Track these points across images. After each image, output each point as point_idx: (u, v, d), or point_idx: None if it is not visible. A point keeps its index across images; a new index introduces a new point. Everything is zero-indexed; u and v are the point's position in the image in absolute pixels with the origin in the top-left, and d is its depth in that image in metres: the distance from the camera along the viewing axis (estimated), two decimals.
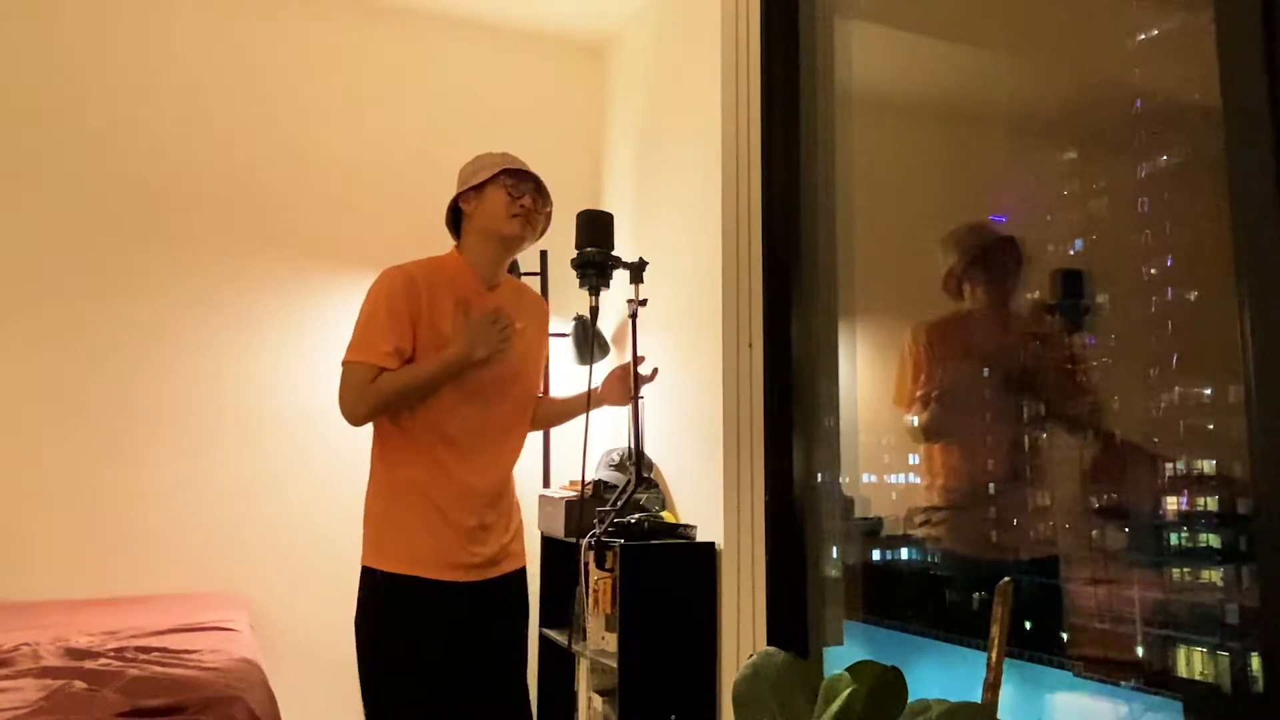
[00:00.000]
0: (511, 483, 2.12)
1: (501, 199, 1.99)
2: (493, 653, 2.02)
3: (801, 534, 2.35)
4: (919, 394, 2.10)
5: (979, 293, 1.99)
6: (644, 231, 3.18)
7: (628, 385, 2.18)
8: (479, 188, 2.01)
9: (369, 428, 2.01)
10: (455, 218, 2.09)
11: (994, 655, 1.01)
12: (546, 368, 2.26)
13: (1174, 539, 1.47)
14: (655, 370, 2.25)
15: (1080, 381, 1.71)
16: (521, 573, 2.12)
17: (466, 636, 1.98)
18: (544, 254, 3.33)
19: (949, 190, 2.10)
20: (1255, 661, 1.32)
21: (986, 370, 1.99)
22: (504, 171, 2.00)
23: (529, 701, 2.11)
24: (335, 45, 3.32)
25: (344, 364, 1.94)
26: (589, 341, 2.85)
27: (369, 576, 1.97)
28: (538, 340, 2.17)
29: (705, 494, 2.61)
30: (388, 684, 1.92)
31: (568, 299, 3.36)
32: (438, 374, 1.90)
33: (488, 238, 2.02)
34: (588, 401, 2.19)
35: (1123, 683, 1.53)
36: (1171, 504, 1.48)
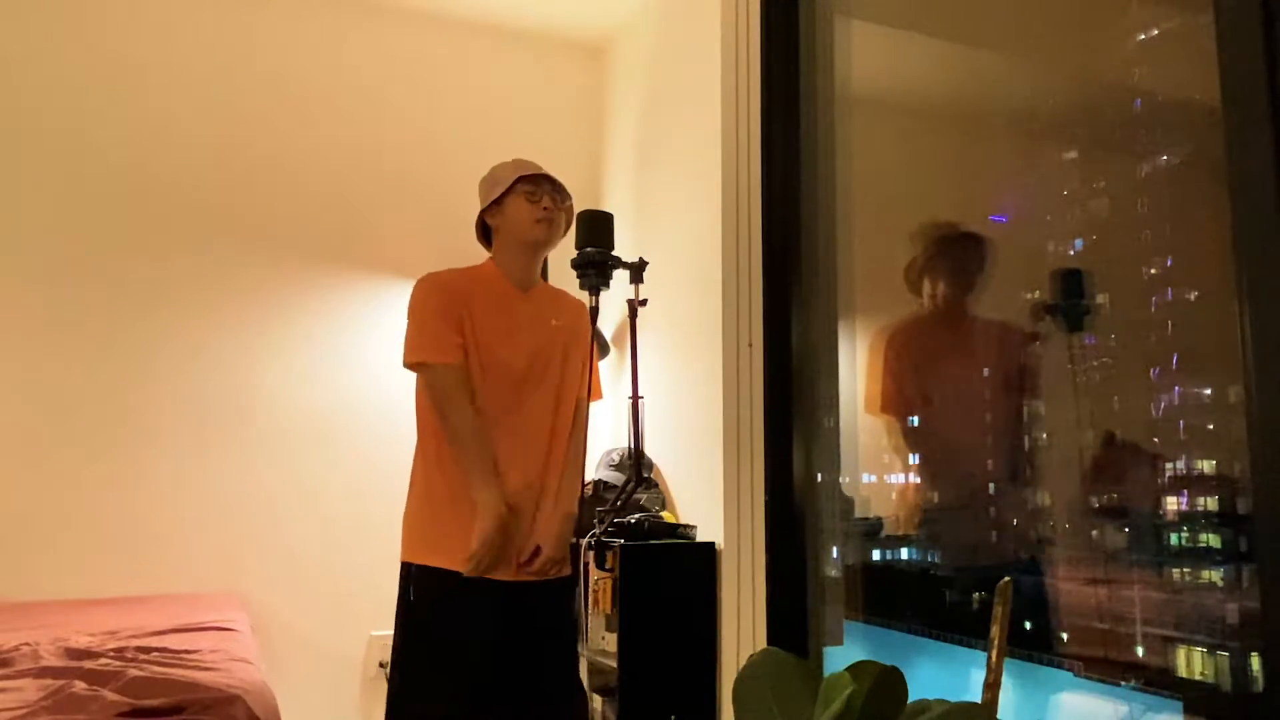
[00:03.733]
0: (556, 485, 2.09)
1: (523, 207, 2.06)
2: (526, 661, 2.02)
3: (801, 534, 2.35)
4: (889, 399, 2.12)
5: (939, 289, 2.00)
6: (644, 231, 3.18)
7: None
8: (499, 201, 2.08)
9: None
10: (485, 230, 2.17)
11: (994, 655, 1.01)
12: (596, 371, 2.28)
13: (1174, 539, 1.47)
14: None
15: (1055, 381, 1.71)
16: (563, 583, 2.10)
17: (501, 637, 1.98)
18: None
19: (949, 190, 2.10)
20: (1255, 661, 1.32)
21: (950, 372, 2.00)
22: (519, 179, 2.05)
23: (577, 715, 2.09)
24: (336, 46, 3.32)
25: (421, 367, 1.99)
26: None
27: (405, 571, 1.99)
28: (575, 339, 2.18)
29: (705, 494, 2.61)
30: (417, 675, 1.93)
31: None
32: (483, 500, 1.93)
33: (516, 245, 2.10)
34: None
35: (1123, 683, 1.53)
36: (1171, 504, 1.48)
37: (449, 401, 1.96)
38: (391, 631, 2.01)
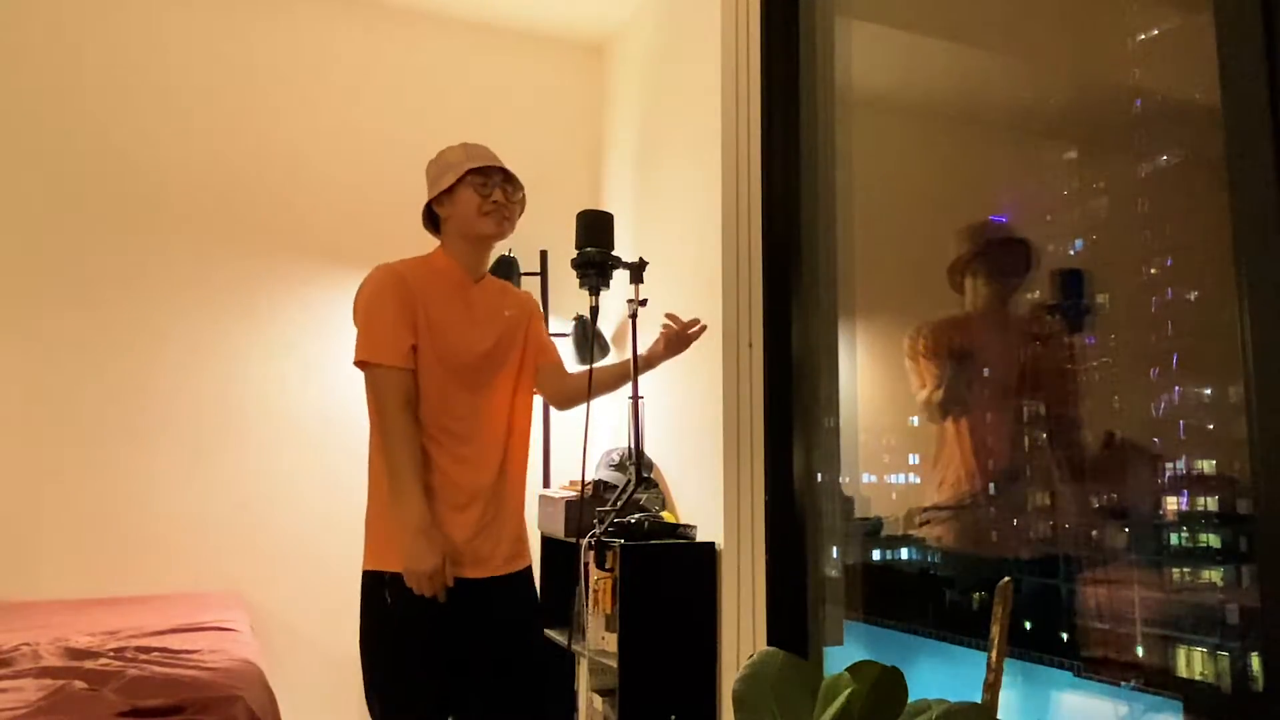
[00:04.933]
0: (515, 479, 2.09)
1: (472, 200, 2.00)
2: (500, 653, 2.02)
3: (801, 534, 2.35)
4: (931, 387, 2.09)
5: (979, 287, 1.99)
6: (644, 231, 3.18)
7: (684, 340, 2.15)
8: (449, 190, 2.02)
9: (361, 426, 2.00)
10: (433, 217, 2.11)
11: (994, 655, 1.01)
12: (551, 345, 2.23)
13: (1174, 539, 1.47)
14: (699, 325, 2.16)
15: (1076, 382, 1.71)
16: (525, 573, 2.10)
17: (471, 634, 1.97)
18: (544, 254, 3.33)
19: (949, 190, 2.09)
20: (1255, 661, 1.32)
21: (985, 370, 1.99)
22: (469, 171, 2.00)
23: (543, 704, 2.08)
24: (335, 45, 3.32)
25: (367, 366, 1.93)
26: (589, 341, 2.85)
27: (367, 579, 1.96)
28: (524, 324, 2.15)
29: (705, 494, 2.61)
30: (393, 684, 1.91)
31: (568, 299, 3.35)
32: (403, 515, 1.87)
33: (464, 238, 2.05)
34: (635, 368, 2.14)
35: (1123, 683, 1.53)
36: (1171, 504, 1.48)
37: (387, 407, 1.90)
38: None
